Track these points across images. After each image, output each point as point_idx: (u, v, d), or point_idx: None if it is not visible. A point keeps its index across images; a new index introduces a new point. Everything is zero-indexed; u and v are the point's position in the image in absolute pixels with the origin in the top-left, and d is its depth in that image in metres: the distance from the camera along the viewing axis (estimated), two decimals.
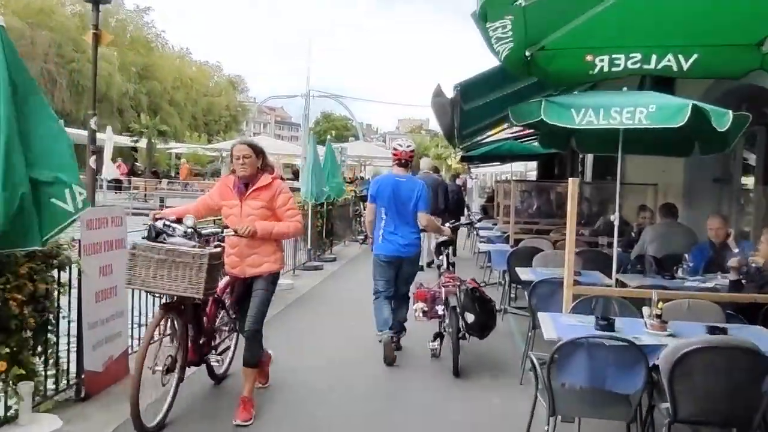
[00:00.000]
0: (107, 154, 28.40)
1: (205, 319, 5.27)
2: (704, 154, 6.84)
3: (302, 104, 23.51)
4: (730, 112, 5.13)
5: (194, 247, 4.61)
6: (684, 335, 3.99)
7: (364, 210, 8.02)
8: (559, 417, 3.78)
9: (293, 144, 45.49)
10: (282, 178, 6.13)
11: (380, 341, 6.60)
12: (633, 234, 8.87)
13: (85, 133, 23.96)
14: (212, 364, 5.49)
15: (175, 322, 4.85)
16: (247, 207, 4.97)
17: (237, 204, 5.02)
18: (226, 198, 5.12)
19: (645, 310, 4.20)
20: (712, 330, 4.05)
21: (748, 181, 9.06)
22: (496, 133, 16.04)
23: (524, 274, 6.83)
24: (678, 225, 7.98)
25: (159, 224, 4.70)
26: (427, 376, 6.18)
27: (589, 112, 5.69)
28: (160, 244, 4.58)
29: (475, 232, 15.34)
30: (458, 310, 6.16)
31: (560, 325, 4.21)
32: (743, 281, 5.51)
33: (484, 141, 16.22)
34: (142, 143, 35.20)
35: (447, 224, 7.92)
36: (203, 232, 4.90)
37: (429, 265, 11.31)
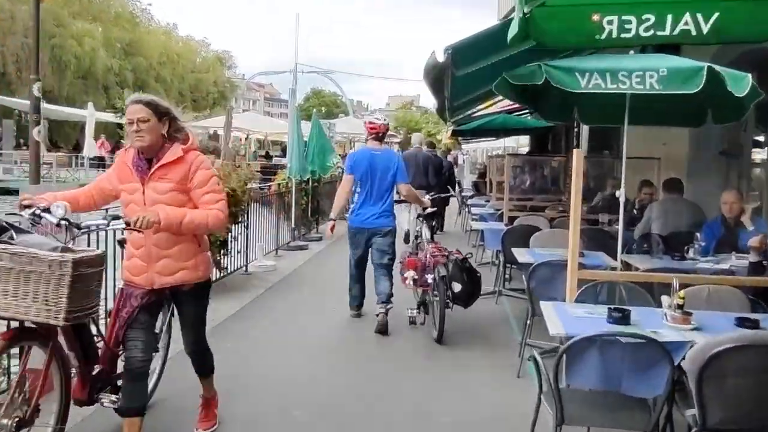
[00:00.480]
0: (89, 131, 27.65)
1: (98, 339, 3.89)
2: (718, 123, 6.28)
3: (292, 81, 22.85)
4: (749, 75, 4.60)
5: (57, 249, 3.25)
6: (710, 329, 3.46)
7: None
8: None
9: (283, 120, 44.75)
10: (207, 151, 5.20)
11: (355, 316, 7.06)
12: (635, 211, 8.33)
13: (69, 110, 23.32)
14: (105, 405, 3.86)
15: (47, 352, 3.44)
16: (152, 191, 3.61)
17: (138, 188, 3.65)
18: (124, 180, 3.73)
19: (665, 299, 3.66)
20: (742, 322, 3.52)
21: (760, 155, 8.54)
22: (487, 107, 15.46)
23: (521, 255, 6.27)
24: (684, 201, 7.45)
25: (26, 214, 3.50)
26: (412, 362, 5.67)
27: (594, 76, 5.15)
28: (1, 246, 3.23)
29: (466, 210, 14.81)
30: (446, 280, 6.23)
31: (567, 317, 3.67)
32: (764, 263, 4.98)
33: (475, 115, 15.65)
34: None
35: (428, 196, 8.08)
36: (85, 224, 3.63)
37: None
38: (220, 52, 73.09)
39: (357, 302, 7.15)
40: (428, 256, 6.64)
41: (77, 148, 35.70)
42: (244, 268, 9.13)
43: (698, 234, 6.02)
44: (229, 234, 8.11)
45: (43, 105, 33.53)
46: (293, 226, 11.72)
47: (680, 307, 3.52)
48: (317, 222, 13.70)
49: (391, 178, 6.78)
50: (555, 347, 5.04)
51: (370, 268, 7.01)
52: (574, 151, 4.65)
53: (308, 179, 12.53)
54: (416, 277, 6.71)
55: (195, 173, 3.62)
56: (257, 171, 26.52)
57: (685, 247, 5.93)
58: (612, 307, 3.62)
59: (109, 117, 36.73)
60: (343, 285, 7.45)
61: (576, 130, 15.18)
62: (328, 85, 79.92)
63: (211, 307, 6.90)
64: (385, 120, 7.14)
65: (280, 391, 4.96)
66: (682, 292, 3.56)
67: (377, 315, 6.61)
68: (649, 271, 5.11)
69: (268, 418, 4.50)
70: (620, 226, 5.89)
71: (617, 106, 6.32)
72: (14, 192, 22.70)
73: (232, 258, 8.65)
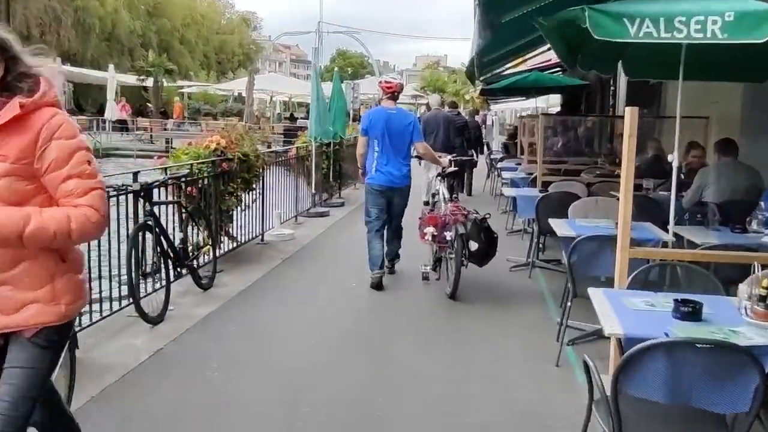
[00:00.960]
0: (110, 94, 27.28)
1: None
2: None
3: (322, 44, 22.32)
4: None
5: None
6: None
7: None
8: None
9: (308, 82, 44.05)
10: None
11: (371, 278, 6.78)
12: (682, 176, 7.61)
13: (91, 72, 22.80)
14: None
15: None
16: None
17: None
18: None
19: (742, 289, 3.01)
20: None
21: None
22: (517, 65, 14.65)
23: (560, 227, 5.59)
24: (740, 164, 6.70)
25: None
26: (432, 343, 5.09)
27: (646, 23, 4.47)
28: None
29: (495, 173, 14.11)
30: (464, 238, 6.30)
31: (623, 311, 3.02)
32: None
33: (505, 73, 14.85)
34: (149, 82, 33.81)
35: (449, 157, 8.05)
36: None
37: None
38: (245, 13, 72.40)
39: (380, 262, 6.85)
40: (448, 214, 6.64)
41: (102, 111, 35.47)
42: (260, 238, 8.61)
43: (762, 203, 5.32)
44: (240, 203, 7.58)
45: (66, 68, 33.42)
46: (314, 191, 11.14)
47: (763, 299, 2.88)
48: (339, 187, 13.12)
49: (408, 137, 6.87)
50: (597, 330, 4.44)
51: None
52: (628, 109, 3.97)
53: (329, 142, 11.90)
54: (435, 233, 6.70)
55: (47, 145, 2.23)
56: (280, 133, 26.24)
57: (747, 219, 5.23)
58: (679, 299, 2.97)
59: (131, 79, 36.44)
60: (363, 255, 6.91)
61: (612, 88, 14.40)
62: (354, 46, 79.05)
63: (222, 281, 6.48)
64: (399, 79, 7.24)
65: (289, 383, 4.41)
66: (765, 280, 2.91)
67: (385, 267, 6.94)
68: (713, 248, 4.42)
69: (274, 412, 3.96)
70: (672, 195, 5.25)
71: (667, 58, 5.62)
72: None
73: (247, 227, 8.14)
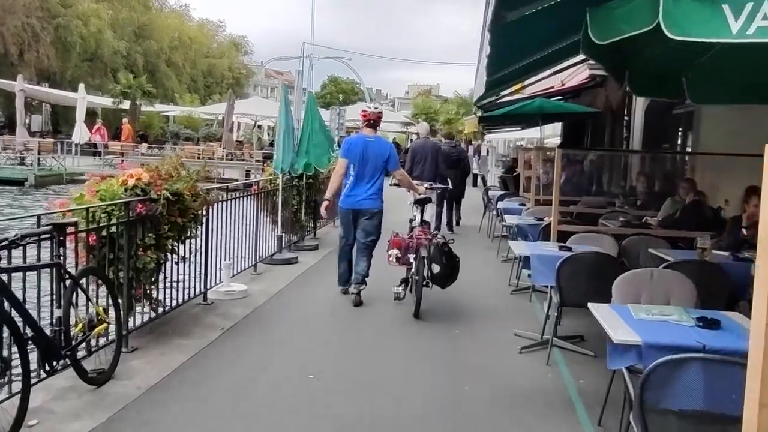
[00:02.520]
0: (80, 114, 25.53)
1: None
2: None
3: (312, 70, 20.77)
4: None
5: None
6: None
7: None
8: None
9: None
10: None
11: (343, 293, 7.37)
12: (744, 230, 5.92)
13: (73, 95, 21.16)
14: None
15: None
16: None
17: None
18: None
19: None
20: None
21: None
22: (515, 91, 13.06)
23: (612, 323, 3.53)
24: None
25: None
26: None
27: (764, 9, 2.83)
28: None
29: (494, 212, 12.42)
30: (426, 260, 6.68)
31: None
32: None
33: (501, 101, 13.25)
34: (125, 104, 32.05)
35: (425, 185, 8.74)
36: None
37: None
38: (235, 37, 70.99)
39: (344, 279, 7.54)
40: (413, 238, 6.97)
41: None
42: (202, 297, 6.83)
43: None
44: (169, 258, 5.81)
45: (42, 89, 31.67)
46: (279, 233, 9.37)
47: None
48: (314, 226, 11.37)
49: (383, 164, 7.26)
50: None
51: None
52: None
53: (301, 174, 10.15)
54: (399, 255, 6.91)
55: None
56: (258, 160, 24.51)
57: None
58: None
59: (105, 101, 34.60)
60: (334, 320, 5.19)
61: (626, 117, 12.78)
62: (346, 72, 77.63)
63: (128, 368, 4.71)
64: (376, 109, 7.72)
65: None
66: None
67: (351, 293, 7.23)
68: None
69: None
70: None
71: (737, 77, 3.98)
72: None
73: (186, 283, 6.37)
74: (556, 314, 5.48)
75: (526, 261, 5.99)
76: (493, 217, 12.70)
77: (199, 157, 26.71)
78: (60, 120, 39.56)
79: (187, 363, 5.17)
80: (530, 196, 10.38)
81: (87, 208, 4.87)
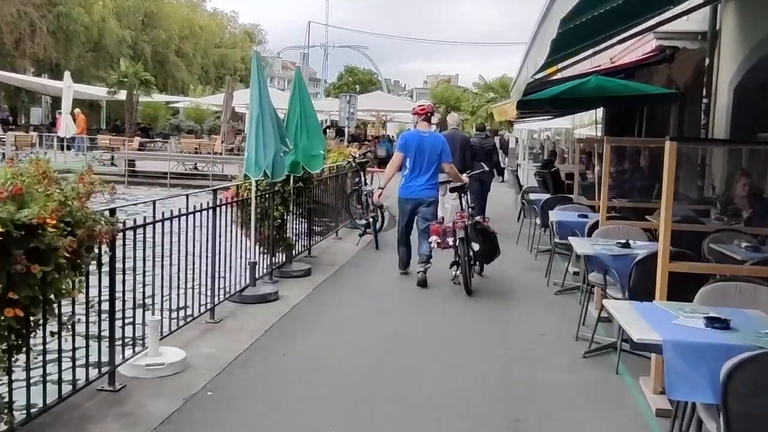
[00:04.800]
0: (65, 106, 23.18)
1: None
2: None
3: (327, 60, 18.44)
4: None
5: None
6: None
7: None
8: None
9: (319, 101, 39.68)
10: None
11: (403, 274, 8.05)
12: None
13: (75, 86, 19.06)
14: None
15: None
16: None
17: None
18: None
19: None
20: None
21: None
22: (552, 74, 10.44)
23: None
24: None
25: None
26: None
27: None
28: None
29: (536, 220, 9.86)
30: (465, 241, 7.24)
31: None
32: None
33: (535, 86, 10.59)
34: (122, 95, 29.66)
35: (465, 174, 8.69)
36: None
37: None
38: (248, 27, 68.59)
39: (404, 262, 8.12)
40: (449, 223, 7.69)
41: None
42: (106, 379, 4.35)
43: None
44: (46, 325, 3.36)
45: (40, 80, 29.37)
46: (253, 259, 6.87)
47: None
48: (309, 243, 8.86)
49: (437, 158, 7.78)
50: None
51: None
52: None
53: (288, 177, 7.62)
54: (439, 240, 7.45)
55: None
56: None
57: None
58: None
59: (100, 92, 32.07)
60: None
61: (705, 100, 10.10)
62: (363, 62, 74.96)
63: None
64: (429, 103, 8.60)
65: None
66: None
67: (418, 273, 7.64)
68: None
69: None
70: None
71: None
72: None
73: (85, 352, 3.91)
74: None
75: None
76: (534, 225, 10.15)
77: (197, 152, 24.38)
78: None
79: None
80: (594, 202, 7.76)
81: None
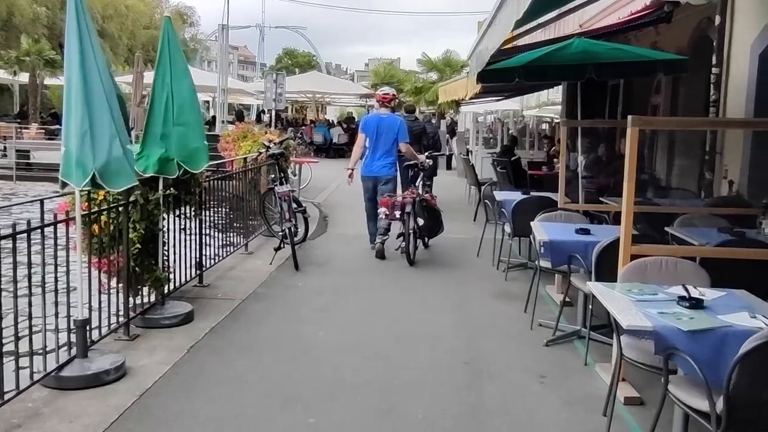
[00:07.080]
0: None
1: None
2: None
3: (266, 41, 15.74)
4: None
5: None
6: None
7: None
8: None
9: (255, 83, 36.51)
10: None
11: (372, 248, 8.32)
12: None
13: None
14: None
15: None
16: None
17: None
18: None
19: None
20: None
21: None
22: (506, 42, 8.16)
23: None
24: None
25: None
26: None
27: None
28: None
29: (502, 224, 7.64)
30: (411, 215, 7.72)
31: None
32: None
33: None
34: (24, 77, 26.29)
35: (425, 154, 9.09)
36: None
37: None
38: (180, 7, 64.84)
39: (373, 236, 8.41)
40: (398, 197, 8.03)
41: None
42: None
43: None
44: None
45: None
46: (80, 317, 4.35)
47: None
48: (200, 270, 6.39)
49: (393, 137, 8.36)
50: None
51: None
52: None
53: (151, 179, 5.12)
54: (387, 212, 7.89)
55: None
56: None
57: None
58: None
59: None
60: None
61: (715, 70, 8.08)
62: (302, 45, 71.79)
63: None
64: (392, 91, 9.03)
65: None
66: None
67: (375, 244, 8.23)
68: None
69: None
70: None
71: None
72: None
73: None
74: None
75: None
76: (499, 229, 7.92)
77: None
78: None
79: None
80: (590, 207, 5.52)
81: None
